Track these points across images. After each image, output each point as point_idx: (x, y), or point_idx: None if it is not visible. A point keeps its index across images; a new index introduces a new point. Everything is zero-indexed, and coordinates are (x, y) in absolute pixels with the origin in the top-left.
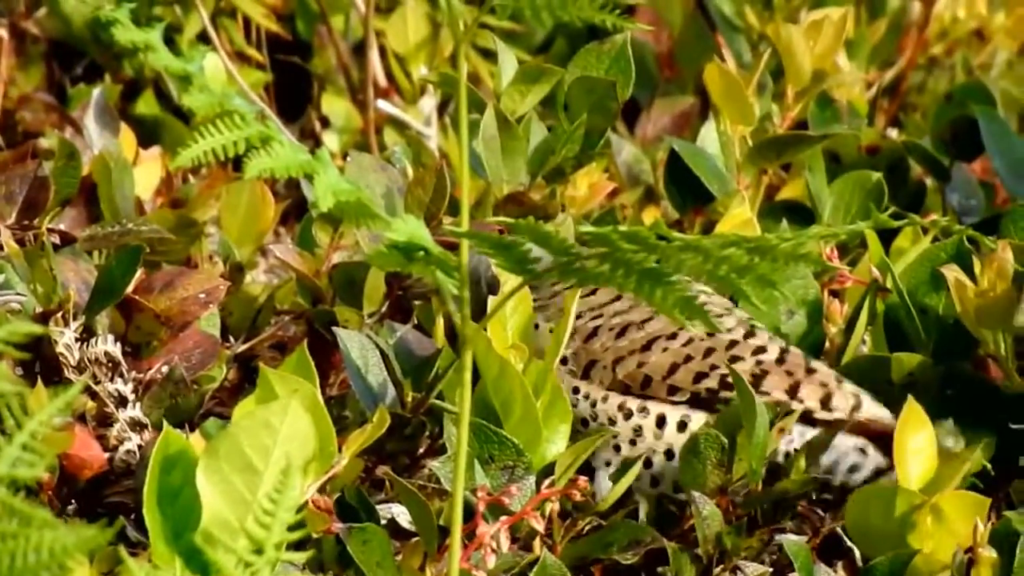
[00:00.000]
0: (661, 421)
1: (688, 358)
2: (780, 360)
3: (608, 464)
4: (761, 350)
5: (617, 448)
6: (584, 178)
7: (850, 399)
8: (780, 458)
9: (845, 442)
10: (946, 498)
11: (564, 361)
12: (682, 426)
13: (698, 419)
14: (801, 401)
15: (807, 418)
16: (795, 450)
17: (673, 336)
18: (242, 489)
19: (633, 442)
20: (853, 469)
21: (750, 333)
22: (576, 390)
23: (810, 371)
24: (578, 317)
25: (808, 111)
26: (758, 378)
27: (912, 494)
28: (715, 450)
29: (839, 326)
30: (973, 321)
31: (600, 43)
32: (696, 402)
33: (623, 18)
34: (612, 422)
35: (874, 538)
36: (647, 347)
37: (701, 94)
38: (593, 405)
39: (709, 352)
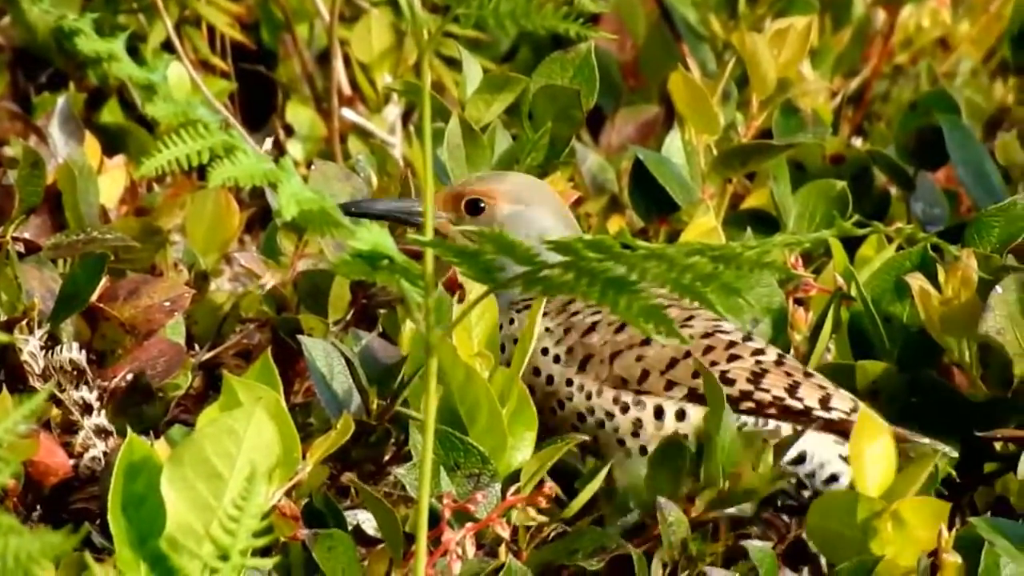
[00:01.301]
0: (659, 412)
1: (687, 354)
2: (779, 363)
3: (622, 458)
4: (760, 352)
5: (621, 442)
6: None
7: (848, 402)
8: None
9: (833, 449)
10: (906, 504)
11: (556, 360)
12: (681, 415)
13: (696, 411)
14: (801, 400)
15: (802, 418)
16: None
17: None
18: (207, 496)
19: (636, 434)
20: (831, 479)
21: (747, 337)
22: (570, 382)
23: (808, 375)
24: (576, 313)
25: (773, 120)
26: (758, 376)
27: (872, 501)
28: (683, 458)
29: (804, 334)
30: (938, 329)
31: (564, 52)
32: (693, 397)
33: (587, 27)
34: (610, 416)
35: (837, 544)
36: (646, 342)
37: (666, 103)
38: (588, 398)
39: (709, 349)
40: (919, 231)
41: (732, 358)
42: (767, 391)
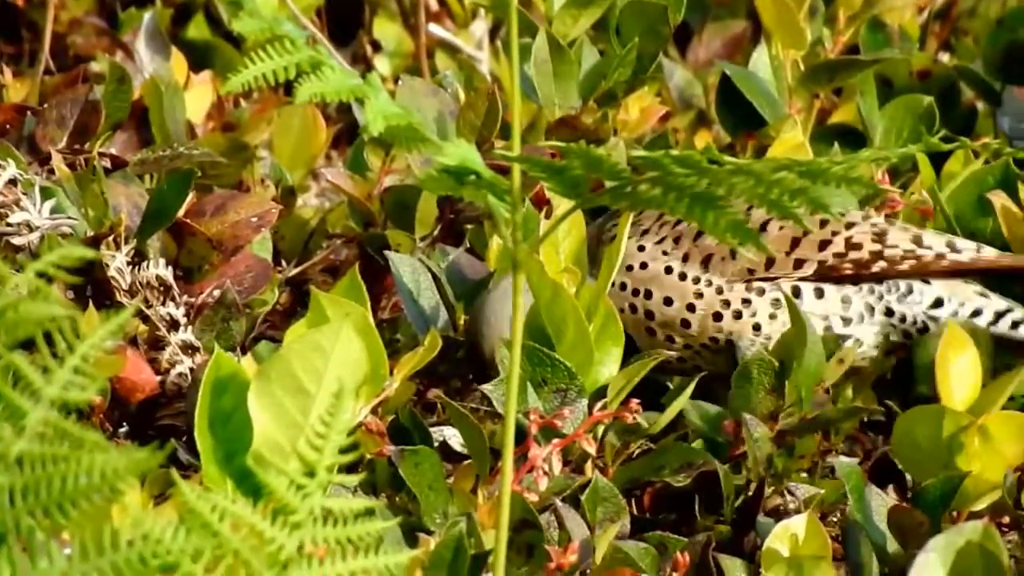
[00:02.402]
0: (796, 292)
1: (806, 232)
2: (892, 222)
3: (752, 344)
4: (868, 216)
5: (757, 327)
6: (636, 102)
7: (971, 243)
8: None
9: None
10: (992, 419)
11: (682, 277)
12: (819, 293)
13: (831, 290)
14: (930, 248)
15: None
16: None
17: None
18: (294, 412)
19: (773, 316)
20: (976, 314)
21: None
22: (697, 279)
23: (922, 228)
24: (679, 222)
25: (859, 36)
26: (880, 235)
27: (958, 415)
28: (768, 375)
29: None
30: (1020, 244)
31: None
32: (823, 274)
33: None
34: (747, 303)
35: (922, 460)
36: (763, 228)
37: (753, 18)
38: (719, 292)
39: (824, 223)
40: (1006, 146)
41: (849, 225)
42: (895, 247)
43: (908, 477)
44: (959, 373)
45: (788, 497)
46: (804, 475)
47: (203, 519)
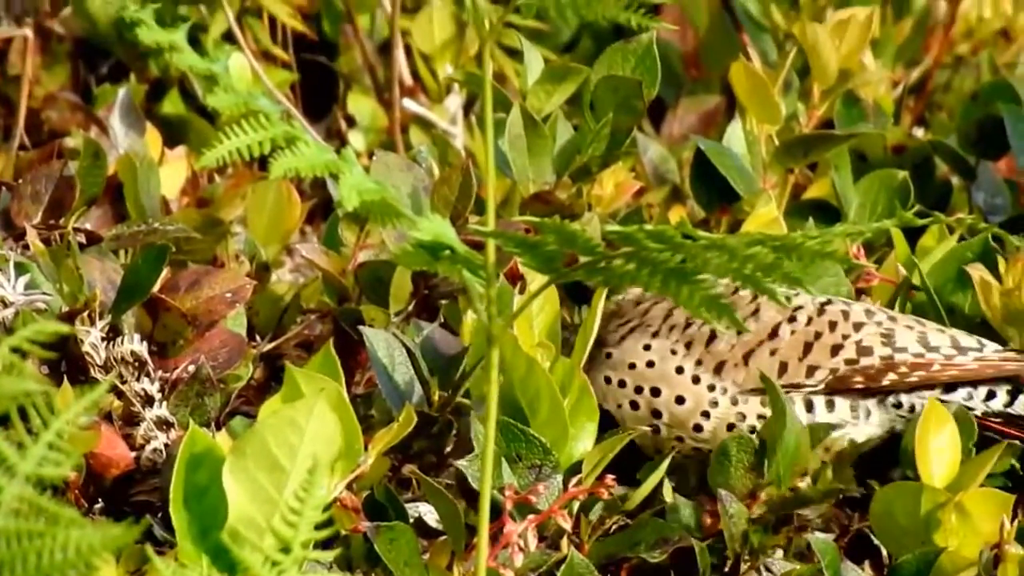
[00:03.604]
0: (809, 406)
1: (818, 335)
2: (893, 319)
3: None
4: (870, 312)
5: None
6: (610, 177)
7: (974, 341)
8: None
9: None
10: (970, 496)
11: (696, 380)
12: (831, 405)
13: (841, 402)
14: (936, 349)
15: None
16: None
17: (792, 319)
18: (269, 488)
19: None
20: (990, 396)
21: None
22: (712, 387)
23: (920, 322)
24: (689, 325)
25: (834, 110)
26: (888, 336)
27: (936, 492)
28: (747, 453)
29: None
30: (999, 319)
31: (626, 42)
32: (836, 381)
33: (648, 17)
34: (762, 418)
35: (900, 536)
36: (774, 334)
37: (727, 93)
38: (735, 403)
39: (834, 325)
40: (980, 221)
41: (857, 326)
42: (904, 350)
43: (885, 553)
44: (938, 450)
45: (765, 573)
46: (780, 551)
47: None
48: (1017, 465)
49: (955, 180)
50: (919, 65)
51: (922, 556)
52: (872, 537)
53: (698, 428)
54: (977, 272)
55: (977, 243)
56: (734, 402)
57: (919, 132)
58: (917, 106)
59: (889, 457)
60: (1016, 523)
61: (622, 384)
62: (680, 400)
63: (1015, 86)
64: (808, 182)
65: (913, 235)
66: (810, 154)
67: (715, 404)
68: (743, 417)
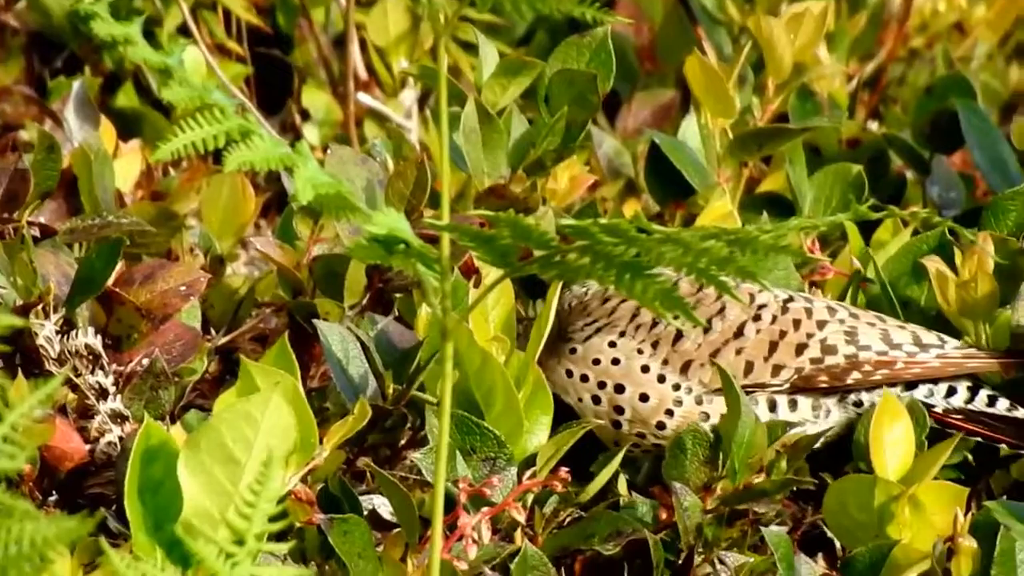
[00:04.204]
0: (772, 405)
1: (783, 333)
2: (855, 315)
3: None
4: (832, 310)
5: None
6: (565, 171)
7: (934, 337)
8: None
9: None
10: (923, 489)
11: (661, 379)
12: (793, 405)
13: (804, 401)
14: (899, 346)
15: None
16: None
17: (757, 318)
18: (223, 480)
19: None
20: (951, 393)
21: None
22: (677, 386)
23: (881, 318)
24: (655, 324)
25: (789, 104)
26: (852, 334)
27: (890, 485)
28: (703, 447)
29: None
30: (955, 312)
31: (581, 36)
32: (801, 379)
33: (603, 11)
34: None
35: (853, 529)
36: (740, 333)
37: (682, 87)
38: (699, 403)
39: (798, 324)
40: (935, 215)
41: (821, 324)
42: (868, 348)
43: (838, 546)
44: (892, 443)
45: (718, 566)
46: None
47: None
48: (970, 457)
49: (909, 174)
50: (874, 59)
51: (875, 549)
52: (825, 530)
53: (661, 426)
54: (933, 265)
55: (933, 236)
56: (699, 401)
57: (873, 126)
58: (871, 100)
59: (843, 450)
60: (970, 516)
61: (584, 379)
62: (644, 398)
63: (969, 80)
64: (762, 176)
65: (868, 229)
66: (764, 148)
67: (679, 403)
68: (707, 417)
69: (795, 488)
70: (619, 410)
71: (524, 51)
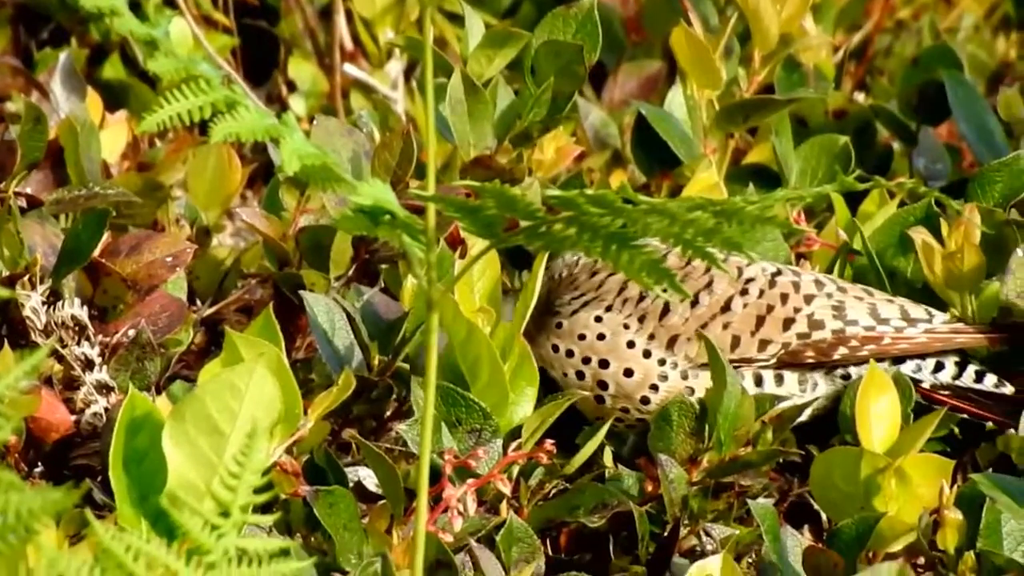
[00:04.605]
0: (759, 380)
1: (770, 308)
2: (843, 289)
3: None
4: (819, 283)
5: None
6: (551, 142)
7: (922, 312)
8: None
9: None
10: (910, 461)
11: (647, 354)
12: (779, 379)
13: (790, 376)
14: (887, 321)
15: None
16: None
17: (744, 292)
18: (208, 452)
19: None
20: (939, 368)
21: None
22: (663, 361)
23: (868, 291)
24: (642, 299)
25: (775, 75)
26: (839, 308)
27: (876, 457)
28: (688, 419)
29: None
30: (941, 284)
31: (567, 7)
32: (787, 354)
33: None
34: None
35: (839, 501)
36: (727, 307)
37: (668, 58)
38: (684, 377)
39: (785, 298)
40: (921, 186)
41: (808, 299)
42: (855, 323)
43: (824, 518)
44: (878, 416)
45: (704, 538)
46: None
47: (118, 559)
48: (956, 430)
49: (896, 145)
50: (860, 30)
51: (861, 521)
52: (812, 502)
53: (645, 400)
54: (920, 236)
55: (920, 208)
56: (684, 376)
57: (860, 97)
58: (858, 71)
59: (829, 423)
60: (955, 488)
61: (570, 354)
62: (628, 373)
63: (956, 51)
64: (749, 147)
65: (854, 200)
66: (750, 119)
67: (664, 378)
68: (692, 391)
69: (781, 460)
70: (603, 385)
71: (510, 22)
